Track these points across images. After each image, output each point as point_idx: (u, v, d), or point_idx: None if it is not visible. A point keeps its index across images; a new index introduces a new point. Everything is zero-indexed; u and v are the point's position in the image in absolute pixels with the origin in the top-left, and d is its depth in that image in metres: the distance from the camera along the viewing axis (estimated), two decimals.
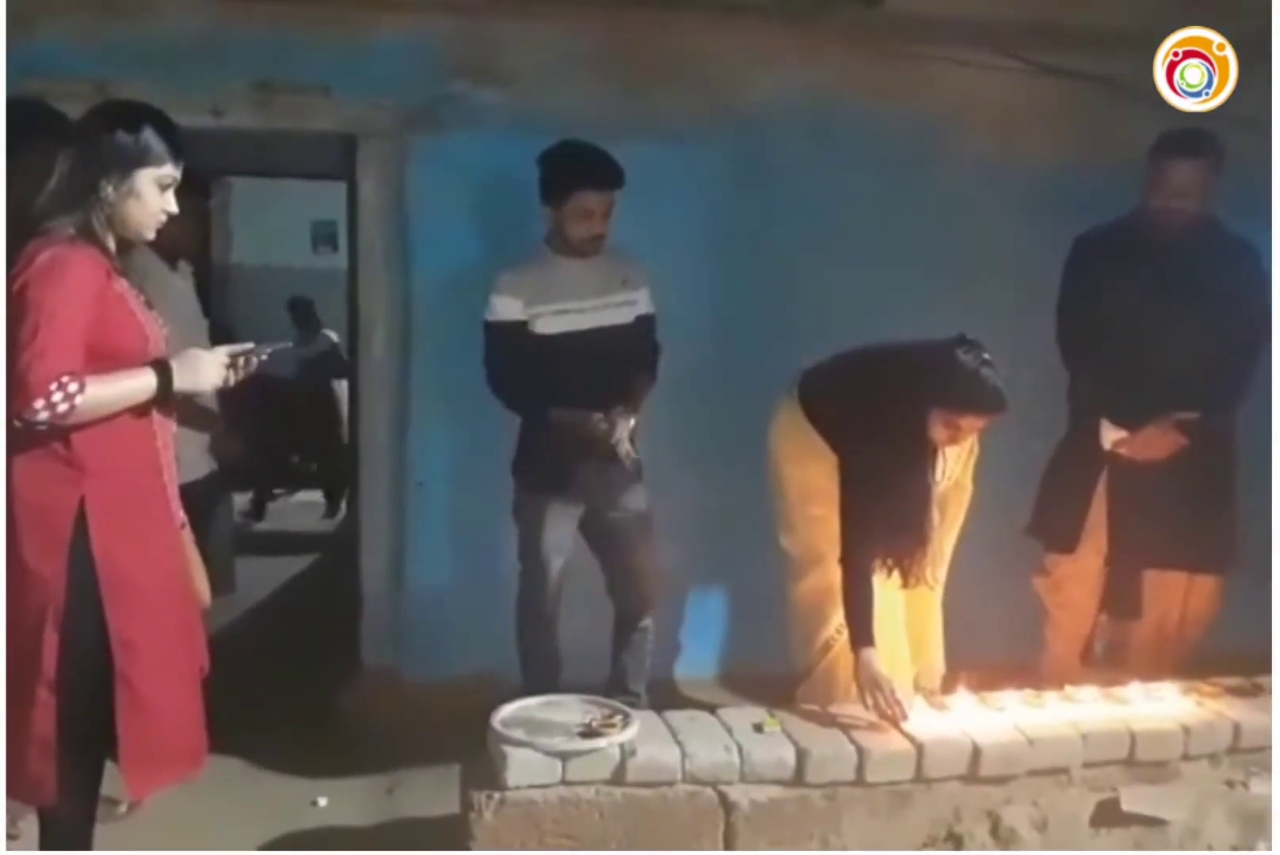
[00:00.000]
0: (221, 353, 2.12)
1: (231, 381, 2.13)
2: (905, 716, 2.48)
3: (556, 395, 2.93)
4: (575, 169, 2.89)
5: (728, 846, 2.34)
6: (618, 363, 2.98)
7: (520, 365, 2.96)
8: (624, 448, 2.93)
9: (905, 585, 2.76)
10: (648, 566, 3.10)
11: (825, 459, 2.73)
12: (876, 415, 2.63)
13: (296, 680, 3.44)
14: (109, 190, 1.98)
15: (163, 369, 2.03)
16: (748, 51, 3.37)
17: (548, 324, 2.95)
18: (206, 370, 2.09)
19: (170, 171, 2.04)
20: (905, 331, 2.68)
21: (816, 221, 3.47)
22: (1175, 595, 3.05)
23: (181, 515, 2.20)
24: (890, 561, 2.72)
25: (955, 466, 2.83)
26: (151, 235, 2.10)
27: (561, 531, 3.03)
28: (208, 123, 3.14)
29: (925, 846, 2.40)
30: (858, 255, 3.49)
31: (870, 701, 2.52)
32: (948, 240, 3.54)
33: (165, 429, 2.12)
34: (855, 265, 3.48)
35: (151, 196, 2.03)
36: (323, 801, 2.71)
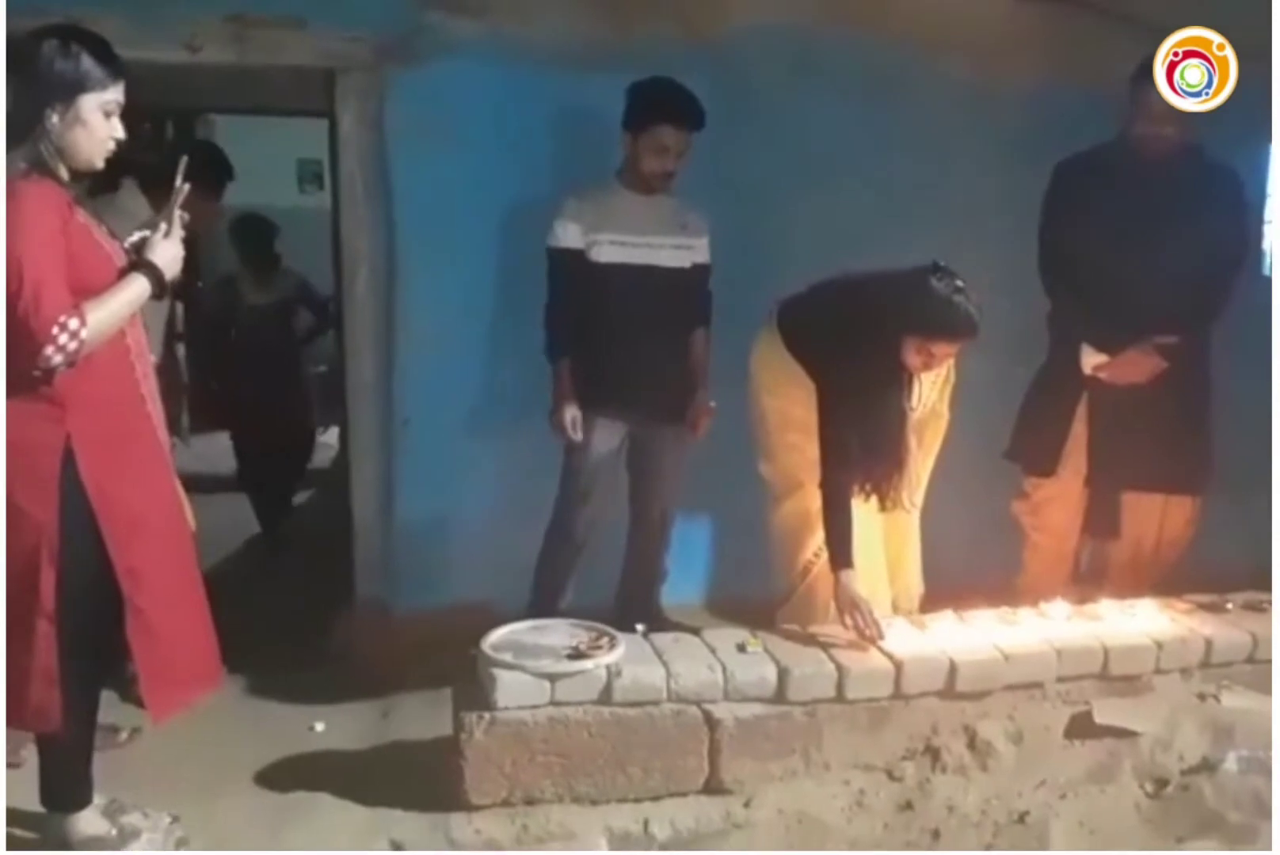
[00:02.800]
0: (160, 225, 2.11)
1: (183, 233, 2.14)
2: (882, 636, 2.55)
3: (607, 330, 3.04)
4: (659, 103, 2.97)
5: (712, 762, 2.42)
6: (668, 305, 3.07)
7: (575, 297, 3.04)
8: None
9: (883, 509, 2.83)
10: (675, 490, 3.25)
11: (803, 387, 2.77)
12: (852, 342, 2.66)
13: (294, 611, 3.51)
14: (54, 120, 1.95)
15: (148, 267, 2.05)
16: None
17: (602, 252, 3.02)
18: (168, 247, 2.10)
19: (114, 96, 2.01)
20: (887, 259, 2.68)
21: (798, 151, 3.45)
22: (1153, 516, 3.10)
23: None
24: (868, 485, 2.78)
25: (931, 393, 2.87)
26: (101, 164, 2.06)
27: (603, 452, 3.10)
28: (183, 58, 3.10)
29: (903, 760, 2.48)
30: (839, 184, 3.48)
31: (849, 622, 2.58)
32: (929, 167, 3.53)
33: (144, 360, 2.15)
34: (837, 194, 3.47)
35: (97, 123, 2.00)
36: (320, 726, 2.77)
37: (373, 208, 3.34)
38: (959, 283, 2.56)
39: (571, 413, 3.03)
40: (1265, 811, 2.25)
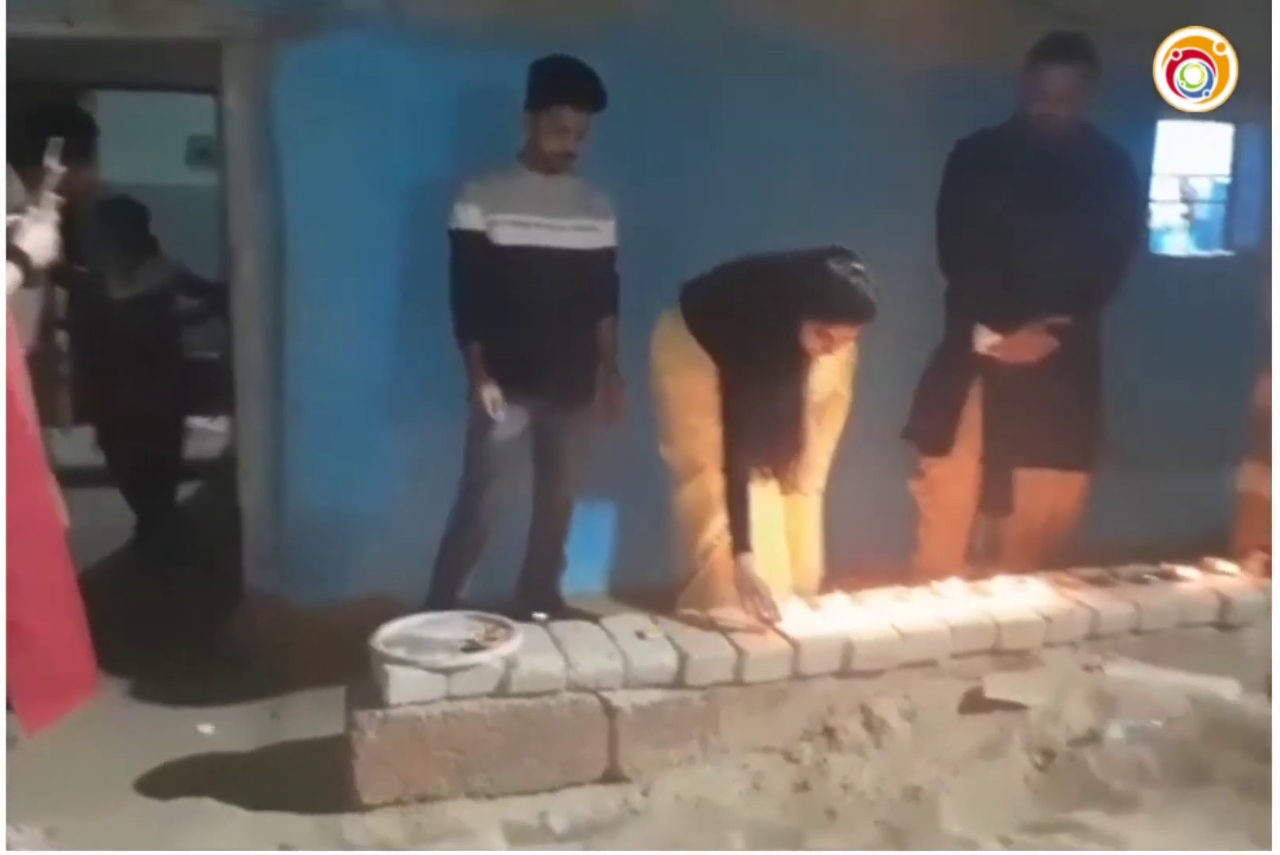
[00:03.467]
0: (29, 209, 2.01)
1: (54, 208, 2.04)
2: (780, 619, 2.56)
3: (509, 313, 2.99)
4: (558, 82, 2.94)
5: (610, 750, 2.41)
6: (572, 287, 3.04)
7: (479, 280, 2.99)
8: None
9: (782, 492, 2.83)
10: (579, 476, 3.25)
11: (705, 369, 2.75)
12: (753, 325, 2.66)
13: (181, 608, 3.41)
14: None
15: (16, 254, 1.96)
16: None
17: (505, 234, 2.99)
18: (38, 232, 2.00)
19: None
20: (793, 240, 2.67)
21: (706, 130, 3.43)
22: (1044, 492, 3.15)
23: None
24: (768, 469, 2.78)
25: (832, 376, 2.87)
26: None
27: (506, 438, 3.06)
28: (61, 32, 2.97)
29: (801, 740, 2.49)
30: (746, 163, 3.47)
31: (748, 605, 2.59)
32: (837, 148, 3.53)
33: (14, 352, 2.06)
34: (744, 174, 3.46)
35: None
36: (207, 729, 2.69)
37: (261, 187, 3.24)
38: (857, 265, 2.56)
39: (491, 393, 2.98)
40: (1147, 779, 2.32)
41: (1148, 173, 3.84)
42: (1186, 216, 4.33)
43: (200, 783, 2.40)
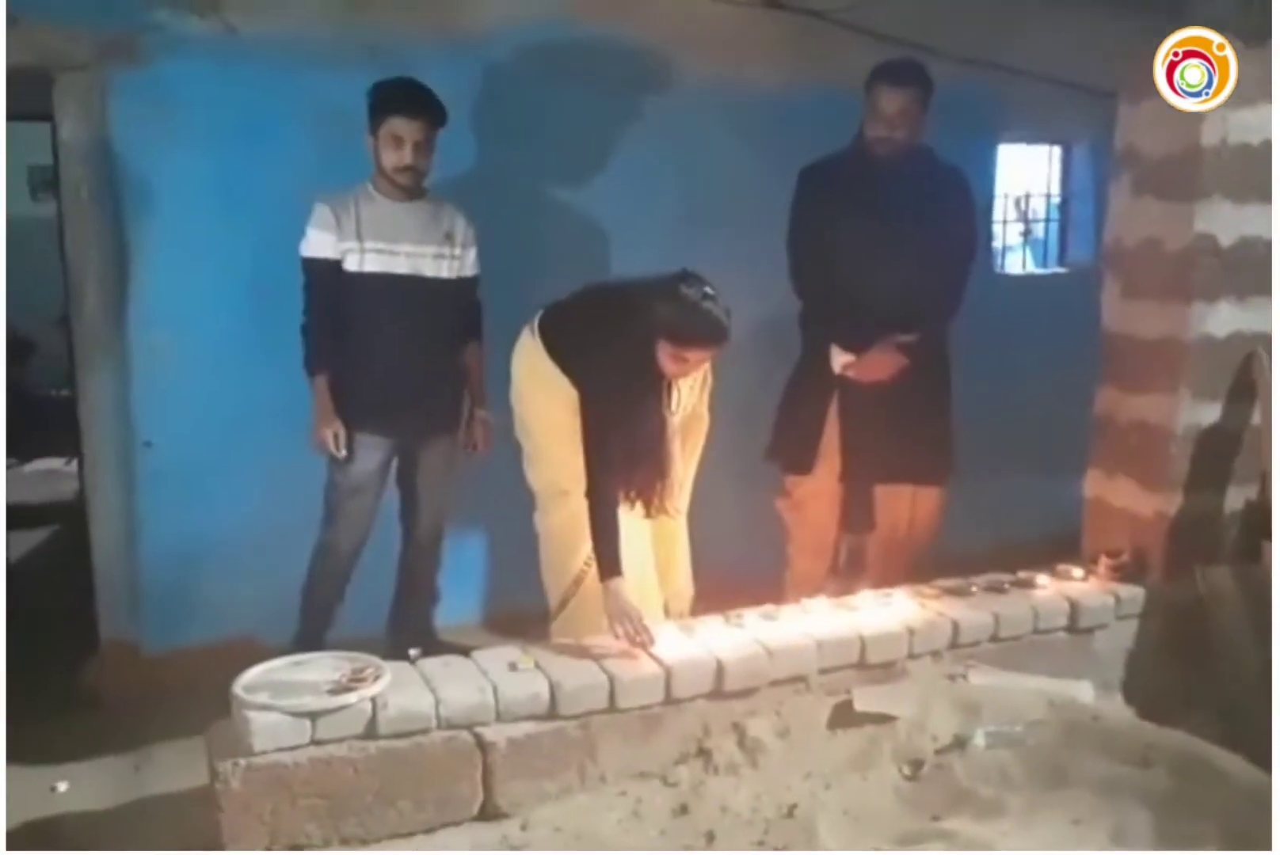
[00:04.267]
0: None
1: None
2: (653, 643, 2.56)
3: (366, 342, 2.95)
4: (388, 96, 2.94)
5: (486, 786, 2.37)
6: (431, 316, 3.01)
7: (333, 309, 2.95)
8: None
9: (647, 515, 2.84)
10: (447, 506, 3.22)
11: (566, 394, 2.76)
12: (610, 350, 2.68)
13: (33, 659, 3.22)
14: None
15: None
16: None
17: (358, 261, 2.94)
18: None
19: None
20: (649, 262, 2.70)
21: (552, 152, 3.45)
22: (903, 506, 3.24)
23: None
24: (632, 493, 2.79)
25: (690, 397, 2.91)
26: None
27: (368, 469, 3.02)
28: None
29: (677, 764, 2.50)
30: (602, 187, 3.50)
31: (620, 631, 2.58)
32: (688, 170, 3.59)
33: None
34: (600, 197, 3.49)
35: None
36: (62, 787, 2.57)
37: (101, 217, 3.12)
38: (708, 289, 2.60)
39: (333, 428, 2.94)
40: (1010, 784, 2.38)
41: (989, 194, 4.01)
42: (1025, 235, 4.53)
43: (60, 845, 2.29)
